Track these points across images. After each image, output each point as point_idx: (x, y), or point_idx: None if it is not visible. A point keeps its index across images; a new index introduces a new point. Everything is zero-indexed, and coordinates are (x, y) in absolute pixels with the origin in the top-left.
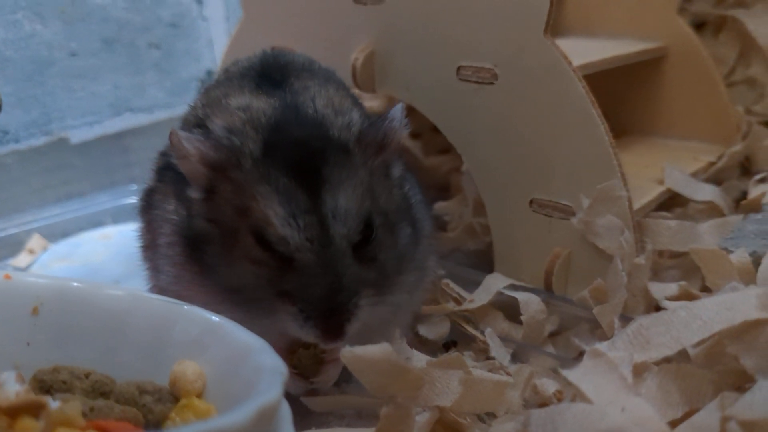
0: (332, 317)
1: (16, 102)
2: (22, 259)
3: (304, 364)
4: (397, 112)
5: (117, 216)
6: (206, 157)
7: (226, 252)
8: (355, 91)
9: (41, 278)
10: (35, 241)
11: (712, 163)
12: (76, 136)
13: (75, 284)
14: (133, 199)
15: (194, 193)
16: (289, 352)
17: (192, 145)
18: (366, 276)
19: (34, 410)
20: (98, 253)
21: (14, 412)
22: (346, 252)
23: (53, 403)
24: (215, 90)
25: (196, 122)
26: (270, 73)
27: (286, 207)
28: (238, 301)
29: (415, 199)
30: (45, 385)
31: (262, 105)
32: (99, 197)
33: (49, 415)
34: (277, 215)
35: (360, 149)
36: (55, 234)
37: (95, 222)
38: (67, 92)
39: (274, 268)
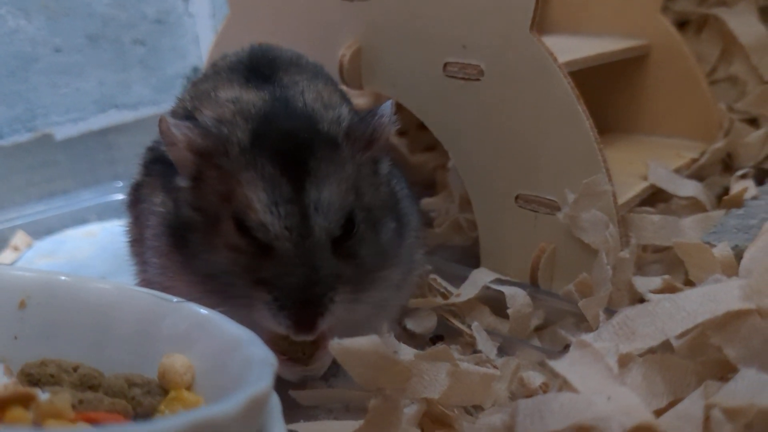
0: (305, 309)
1: (0, 98)
2: (6, 257)
3: (296, 348)
4: (387, 108)
5: (102, 213)
6: (194, 144)
7: (208, 238)
8: (343, 88)
9: (28, 272)
10: (19, 239)
11: (694, 160)
12: (61, 132)
13: (62, 278)
14: (118, 196)
15: (181, 182)
16: (281, 337)
17: (180, 131)
18: (344, 272)
19: (24, 402)
20: (83, 250)
21: (3, 403)
22: (325, 245)
23: (43, 395)
24: (204, 83)
25: (184, 114)
26: (259, 67)
27: (269, 194)
28: (217, 289)
29: (401, 194)
30: (33, 378)
31: (251, 97)
32: (84, 194)
33: (38, 406)
34: (259, 201)
35: (348, 144)
36: (39, 231)
37: (80, 219)
38: (51, 88)
39: (252, 255)
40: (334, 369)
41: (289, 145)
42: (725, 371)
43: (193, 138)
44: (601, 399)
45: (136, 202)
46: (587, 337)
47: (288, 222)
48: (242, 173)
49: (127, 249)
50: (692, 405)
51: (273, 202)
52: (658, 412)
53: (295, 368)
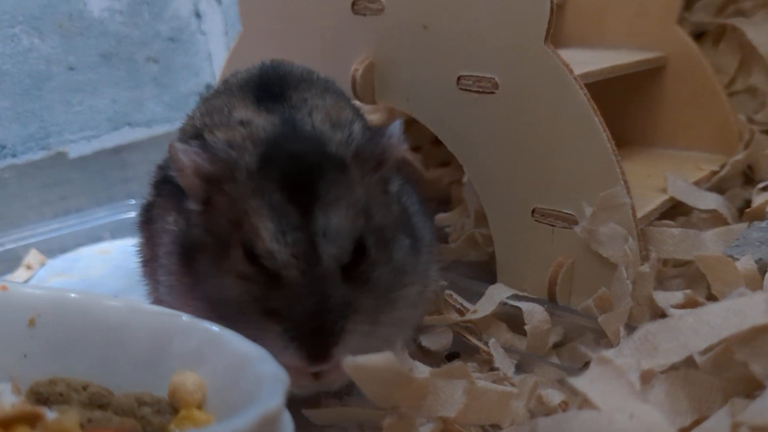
0: (318, 339)
1: (14, 116)
2: (19, 275)
3: None
4: (396, 128)
5: (115, 231)
6: (202, 170)
7: (217, 264)
8: (356, 103)
9: (38, 289)
10: (33, 257)
11: (714, 172)
12: (75, 150)
13: (72, 295)
14: (132, 214)
15: (192, 205)
16: None
17: (188, 157)
18: (357, 299)
19: (31, 421)
20: (96, 268)
21: (10, 423)
22: (334, 272)
23: (50, 414)
24: (214, 100)
25: (194, 132)
26: (269, 85)
27: (276, 222)
28: (226, 316)
29: (413, 209)
30: (42, 397)
31: (261, 120)
32: (97, 212)
33: (45, 425)
34: (266, 229)
35: (357, 165)
36: (53, 249)
37: (93, 237)
38: (65, 107)
39: (261, 284)
40: (348, 387)
41: (297, 169)
42: (751, 388)
43: (200, 164)
44: (623, 417)
45: (147, 222)
46: (608, 353)
47: (295, 250)
48: (249, 200)
49: (139, 269)
50: (718, 423)
51: (280, 230)
52: (683, 431)
53: (306, 379)
